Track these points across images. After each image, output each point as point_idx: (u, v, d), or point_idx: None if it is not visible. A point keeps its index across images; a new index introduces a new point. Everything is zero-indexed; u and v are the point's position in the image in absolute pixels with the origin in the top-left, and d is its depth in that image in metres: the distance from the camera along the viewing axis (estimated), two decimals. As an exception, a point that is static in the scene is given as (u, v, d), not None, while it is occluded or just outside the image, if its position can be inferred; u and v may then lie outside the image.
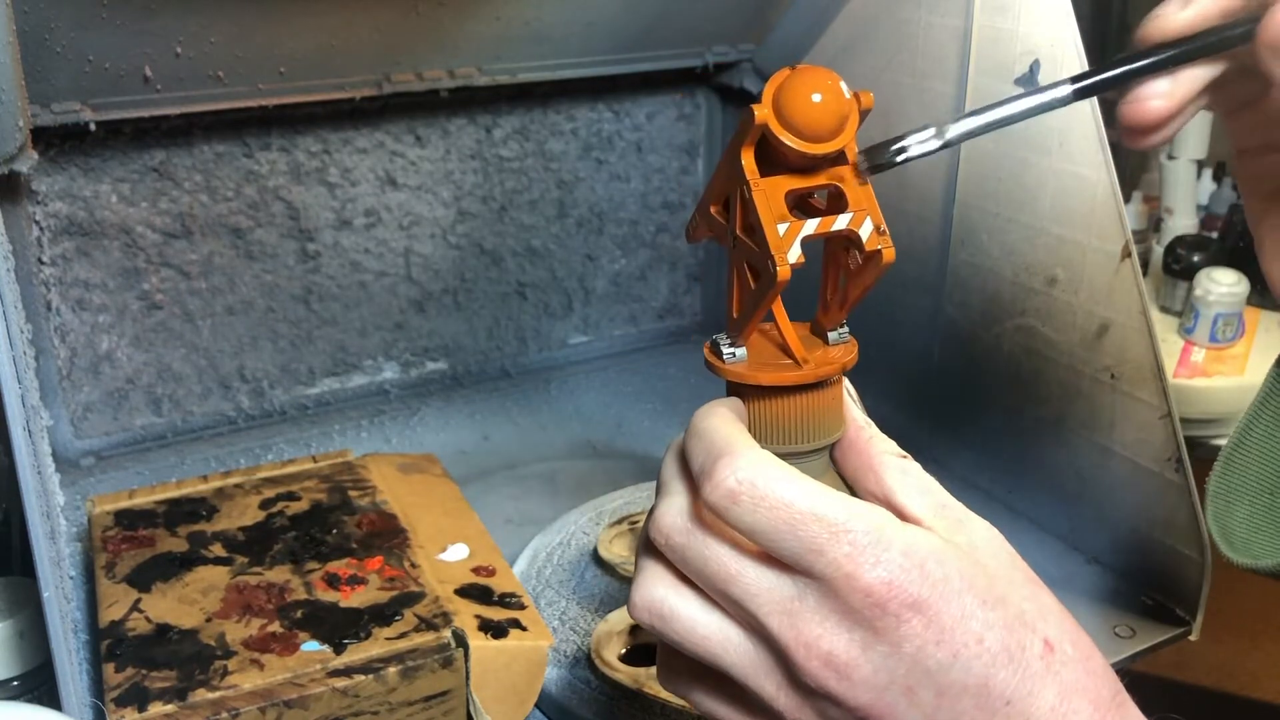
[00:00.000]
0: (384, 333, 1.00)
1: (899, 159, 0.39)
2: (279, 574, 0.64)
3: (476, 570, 0.66)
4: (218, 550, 0.67)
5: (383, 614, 0.60)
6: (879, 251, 0.40)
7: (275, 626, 0.59)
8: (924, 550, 0.36)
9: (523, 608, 0.62)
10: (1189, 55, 0.41)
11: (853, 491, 0.41)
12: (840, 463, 0.42)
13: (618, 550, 0.72)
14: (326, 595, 0.62)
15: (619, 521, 0.75)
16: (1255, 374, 1.05)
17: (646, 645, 0.65)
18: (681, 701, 0.52)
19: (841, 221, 0.40)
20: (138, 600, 0.62)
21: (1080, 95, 0.41)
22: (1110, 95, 0.43)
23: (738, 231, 0.41)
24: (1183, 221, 1.30)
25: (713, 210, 0.43)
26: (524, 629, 0.60)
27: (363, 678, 0.56)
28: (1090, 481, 0.74)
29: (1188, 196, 1.31)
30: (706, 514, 0.38)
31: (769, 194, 0.39)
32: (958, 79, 0.78)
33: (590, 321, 1.10)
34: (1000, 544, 0.39)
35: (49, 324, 0.86)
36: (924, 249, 0.84)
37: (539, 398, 1.03)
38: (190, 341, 0.92)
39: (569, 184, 1.04)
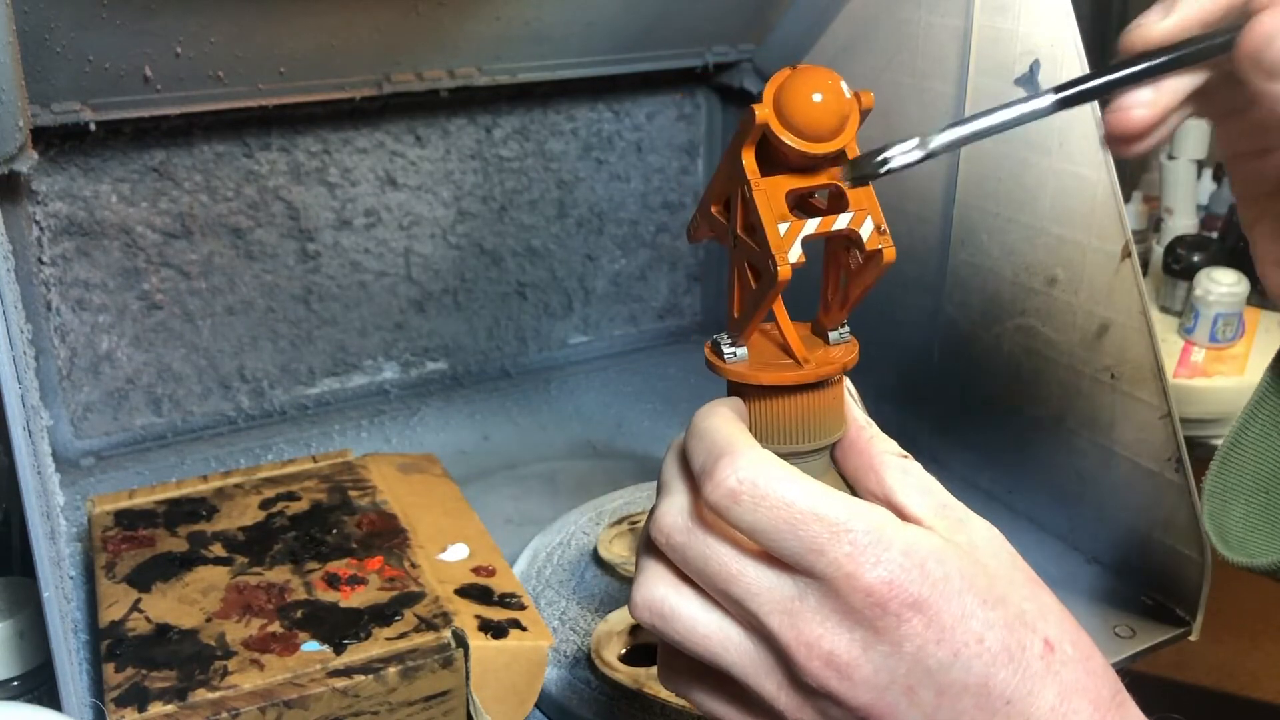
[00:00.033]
0: (384, 333, 1.00)
1: (882, 170, 0.39)
2: (279, 574, 0.64)
3: (476, 570, 0.66)
4: (218, 550, 0.67)
5: (383, 614, 0.60)
6: (880, 251, 0.40)
7: (275, 626, 0.59)
8: (924, 550, 0.36)
9: (523, 608, 0.62)
10: (1170, 65, 0.41)
11: (853, 491, 0.41)
12: (841, 462, 0.42)
13: (618, 550, 0.72)
14: (326, 595, 0.62)
15: (619, 521, 0.75)
16: (1255, 374, 1.05)
17: (646, 645, 0.65)
18: (682, 701, 0.52)
19: (842, 221, 0.40)
20: (138, 600, 0.62)
21: (1062, 105, 0.40)
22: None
23: (738, 231, 0.41)
24: (1183, 221, 1.30)
25: (713, 210, 0.43)
26: (524, 629, 0.60)
27: (363, 678, 0.56)
28: (1090, 481, 0.74)
29: (1188, 196, 1.31)
30: (707, 513, 0.38)
31: (770, 194, 0.39)
32: (958, 79, 0.78)
33: (590, 321, 1.10)
34: (1001, 544, 0.39)
35: (49, 324, 0.86)
36: (924, 249, 0.84)
37: (539, 398, 1.03)
38: (190, 341, 0.92)
39: (569, 184, 1.04)
